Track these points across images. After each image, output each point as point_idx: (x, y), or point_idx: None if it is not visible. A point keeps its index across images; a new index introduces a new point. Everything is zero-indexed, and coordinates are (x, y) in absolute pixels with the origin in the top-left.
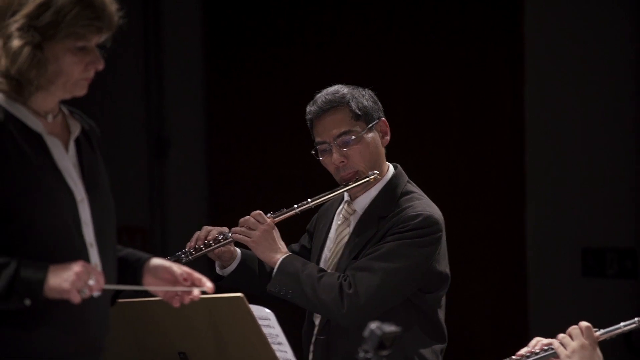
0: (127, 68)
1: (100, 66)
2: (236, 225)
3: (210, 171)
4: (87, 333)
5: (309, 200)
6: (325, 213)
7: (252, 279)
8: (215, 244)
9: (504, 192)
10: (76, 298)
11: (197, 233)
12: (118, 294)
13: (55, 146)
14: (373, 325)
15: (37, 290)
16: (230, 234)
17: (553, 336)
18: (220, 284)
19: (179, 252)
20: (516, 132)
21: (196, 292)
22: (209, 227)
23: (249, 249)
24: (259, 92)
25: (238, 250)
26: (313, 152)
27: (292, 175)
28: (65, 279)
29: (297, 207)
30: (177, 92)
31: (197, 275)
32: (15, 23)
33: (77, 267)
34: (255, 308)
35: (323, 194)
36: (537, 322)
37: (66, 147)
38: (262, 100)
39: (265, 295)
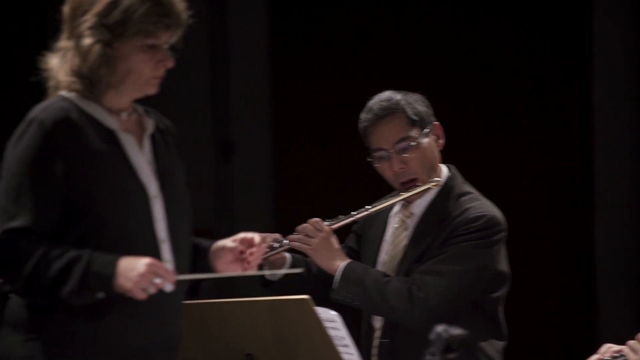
0: (193, 70)
1: (170, 64)
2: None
3: (276, 173)
4: (160, 327)
5: (368, 207)
6: (375, 215)
7: (301, 283)
8: (269, 251)
9: (572, 193)
10: (140, 295)
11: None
12: (197, 292)
13: (129, 143)
14: (439, 328)
15: (108, 284)
16: (286, 241)
17: (623, 342)
18: (270, 289)
19: None
20: (584, 133)
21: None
22: (263, 235)
23: (299, 254)
24: (326, 95)
25: (288, 255)
26: (369, 159)
27: (358, 178)
28: (129, 279)
29: (355, 215)
30: (243, 95)
31: (248, 237)
32: (86, 22)
33: (142, 267)
34: (321, 310)
35: (382, 201)
36: (607, 328)
37: (140, 145)
38: (328, 102)
39: (316, 298)
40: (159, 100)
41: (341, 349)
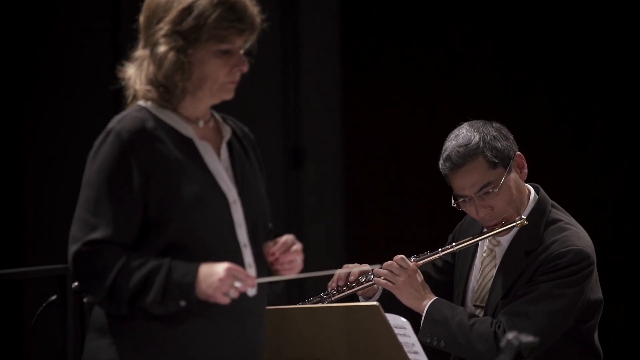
0: (264, 78)
1: (245, 68)
2: (373, 247)
3: (346, 181)
4: (240, 331)
5: (454, 244)
6: (467, 230)
7: (393, 303)
8: (357, 285)
9: None
10: (223, 300)
11: (338, 272)
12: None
13: (206, 150)
14: (510, 336)
15: (190, 292)
16: (372, 276)
17: None
18: None
19: (322, 294)
20: None
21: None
22: (350, 266)
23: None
24: (397, 103)
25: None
26: (454, 204)
27: (428, 186)
28: (210, 285)
29: (441, 252)
30: (314, 102)
31: (288, 242)
32: (161, 30)
33: (221, 272)
34: (391, 317)
35: (468, 239)
36: None
37: (218, 151)
38: (400, 111)
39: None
40: (229, 107)
41: (411, 356)
